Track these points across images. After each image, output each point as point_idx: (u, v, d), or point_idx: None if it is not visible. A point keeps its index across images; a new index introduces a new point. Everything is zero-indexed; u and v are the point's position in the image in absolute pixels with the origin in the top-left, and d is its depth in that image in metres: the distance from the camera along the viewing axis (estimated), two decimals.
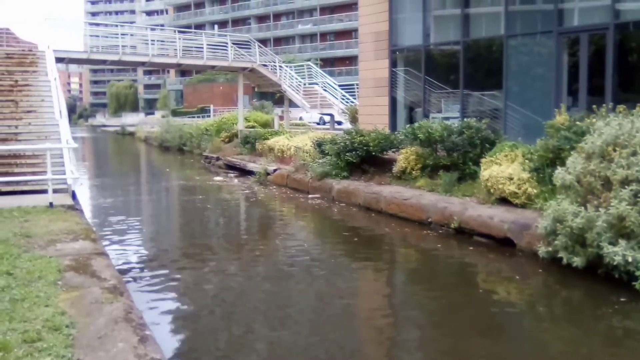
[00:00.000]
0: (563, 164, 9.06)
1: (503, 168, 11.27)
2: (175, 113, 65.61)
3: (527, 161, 11.13)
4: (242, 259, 10.40)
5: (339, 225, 13.31)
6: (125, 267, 9.54)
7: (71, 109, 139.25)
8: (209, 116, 49.93)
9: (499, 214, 10.45)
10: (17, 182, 12.49)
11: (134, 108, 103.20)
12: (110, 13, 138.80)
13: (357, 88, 20.99)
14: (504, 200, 11.01)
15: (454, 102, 16.02)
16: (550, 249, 8.47)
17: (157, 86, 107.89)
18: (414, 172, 13.96)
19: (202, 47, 26.93)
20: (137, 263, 9.95)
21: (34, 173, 12.55)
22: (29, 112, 16.24)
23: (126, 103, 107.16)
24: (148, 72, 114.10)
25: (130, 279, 8.82)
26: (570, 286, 8.21)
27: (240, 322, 7.24)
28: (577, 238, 7.95)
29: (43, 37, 22.10)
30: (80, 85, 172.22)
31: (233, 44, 28.09)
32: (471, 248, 10.27)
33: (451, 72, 15.96)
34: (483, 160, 12.10)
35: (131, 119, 78.26)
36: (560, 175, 8.62)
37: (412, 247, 11.21)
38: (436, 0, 16.71)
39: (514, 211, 10.48)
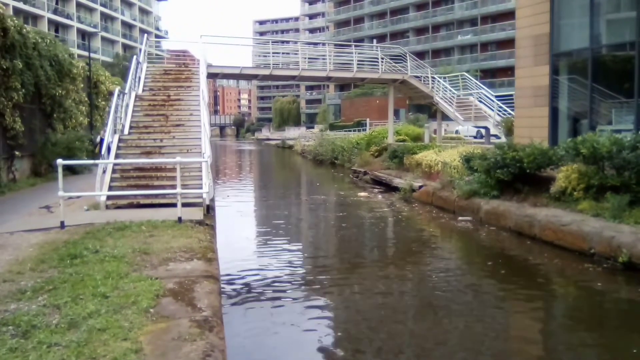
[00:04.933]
0: None
1: None
2: (332, 127, 66.34)
3: None
4: (369, 290, 9.39)
5: (484, 253, 11.80)
6: (235, 290, 8.94)
7: (240, 124, 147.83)
8: (365, 129, 49.59)
9: None
10: (156, 195, 12.58)
11: (296, 122, 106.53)
12: (276, 32, 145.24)
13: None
14: None
15: (627, 112, 13.87)
16: None
17: (318, 101, 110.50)
18: (575, 193, 12.07)
19: (353, 61, 26.46)
20: (254, 286, 9.28)
21: (172, 186, 12.52)
22: (177, 125, 16.57)
23: (289, 117, 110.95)
24: (310, 88, 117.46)
25: (239, 302, 8.20)
26: None
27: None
28: None
29: (199, 52, 22.67)
30: (249, 101, 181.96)
31: (385, 56, 27.31)
32: None
33: (624, 78, 13.84)
34: None
35: (292, 133, 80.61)
36: None
37: (569, 284, 9.52)
38: None
39: None
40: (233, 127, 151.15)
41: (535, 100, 16.15)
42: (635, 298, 8.31)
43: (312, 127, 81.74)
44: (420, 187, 18.28)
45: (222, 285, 8.84)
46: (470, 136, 35.66)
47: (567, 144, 12.43)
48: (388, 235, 14.57)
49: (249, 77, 30.42)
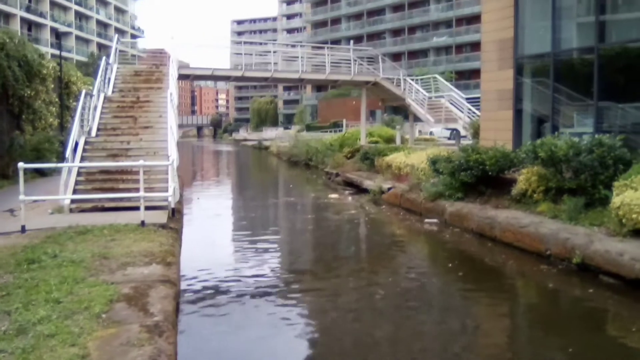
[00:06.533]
0: None
1: (639, 194, 9.49)
2: (309, 127, 66.50)
3: None
4: (333, 293, 9.50)
5: (446, 255, 11.97)
6: (196, 294, 8.99)
7: (217, 124, 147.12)
8: (341, 130, 49.76)
9: (631, 250, 8.73)
10: (121, 199, 12.55)
11: (274, 123, 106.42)
12: (254, 32, 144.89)
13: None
14: (638, 233, 9.23)
15: (588, 115, 14.16)
16: None
17: (296, 101, 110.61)
18: (535, 195, 12.33)
19: (332, 62, 26.65)
20: (216, 290, 9.33)
21: (138, 190, 12.51)
22: (146, 127, 16.52)
23: (267, 118, 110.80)
24: (287, 88, 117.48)
25: (198, 306, 8.26)
26: None
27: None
28: None
29: (173, 52, 22.60)
30: (227, 101, 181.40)
31: (359, 57, 27.49)
32: (591, 290, 8.64)
33: (584, 82, 14.12)
34: (616, 183, 10.35)
35: (269, 134, 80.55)
36: None
37: (524, 285, 9.76)
38: (568, 4, 14.95)
39: None
40: (210, 127, 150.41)
41: (500, 103, 16.41)
42: (585, 298, 8.52)
43: (290, 128, 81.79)
44: (389, 189, 18.45)
45: (184, 290, 8.91)
46: (444, 137, 36.02)
47: (526, 147, 12.68)
48: (353, 238, 14.72)
49: (221, 79, 30.45)
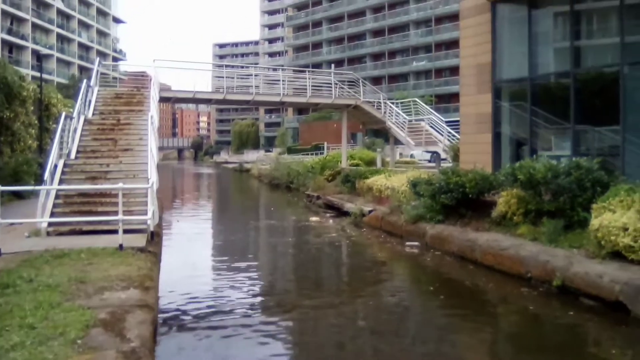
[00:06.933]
0: None
1: (617, 216, 9.57)
2: (290, 150, 66.53)
3: None
4: (313, 318, 9.43)
5: (427, 278, 11.98)
6: (174, 319, 8.86)
7: (198, 146, 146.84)
8: (322, 153, 49.87)
9: (610, 272, 8.80)
10: (99, 222, 12.39)
11: (255, 145, 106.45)
12: (236, 56, 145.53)
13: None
14: (617, 255, 9.30)
15: (565, 138, 14.34)
16: None
17: (277, 124, 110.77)
18: (515, 217, 12.41)
19: (313, 85, 26.82)
20: (195, 315, 9.20)
21: (117, 213, 12.36)
22: (126, 150, 16.41)
23: (248, 140, 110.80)
24: (269, 111, 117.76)
25: (176, 332, 8.14)
26: None
27: None
28: None
29: (154, 75, 22.58)
30: (208, 124, 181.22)
31: (340, 81, 27.68)
32: (571, 313, 8.67)
33: (561, 105, 14.31)
34: (594, 206, 10.44)
35: (251, 156, 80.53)
36: None
37: (505, 308, 9.75)
38: (544, 29, 15.22)
39: (629, 269, 8.78)
40: (191, 150, 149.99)
41: (479, 126, 16.57)
42: (566, 321, 8.54)
43: (271, 151, 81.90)
44: (370, 211, 18.47)
45: (162, 315, 8.78)
46: (424, 160, 36.23)
47: (505, 169, 12.79)
48: (334, 262, 14.66)
49: (203, 101, 30.45)
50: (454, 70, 67.07)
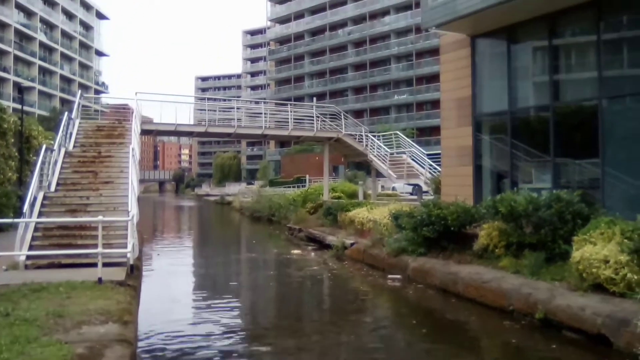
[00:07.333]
0: None
1: (598, 248, 9.65)
2: (272, 183, 66.43)
3: (625, 240, 9.45)
4: (292, 350, 9.30)
5: (409, 312, 11.91)
6: (153, 355, 8.70)
7: (180, 179, 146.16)
8: (304, 186, 49.88)
9: (592, 304, 8.83)
10: (78, 255, 12.23)
11: (237, 178, 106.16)
12: (218, 89, 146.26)
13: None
14: (599, 287, 9.35)
15: (546, 171, 14.50)
16: None
17: (259, 157, 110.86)
18: (497, 250, 12.46)
19: (295, 118, 26.99)
20: (174, 350, 9.04)
21: (96, 246, 12.21)
22: (106, 182, 16.31)
23: (230, 173, 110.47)
24: (251, 144, 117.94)
25: None
26: None
27: None
28: None
29: (136, 107, 22.56)
30: (190, 156, 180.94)
31: (322, 114, 27.88)
32: (554, 346, 8.64)
33: (541, 138, 14.52)
34: (575, 238, 10.52)
35: (232, 189, 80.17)
36: None
37: (488, 341, 9.71)
38: (523, 64, 15.50)
39: (611, 301, 8.82)
40: (173, 182, 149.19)
41: (460, 159, 16.72)
42: (549, 355, 8.51)
43: (253, 183, 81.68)
44: (352, 244, 18.43)
45: (141, 349, 8.63)
46: (406, 193, 36.35)
47: (487, 202, 12.88)
48: (316, 295, 14.54)
49: (185, 134, 30.45)
50: (435, 104, 67.90)
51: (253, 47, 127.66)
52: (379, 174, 29.38)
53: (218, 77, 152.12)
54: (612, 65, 13.19)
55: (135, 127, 20.29)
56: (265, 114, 26.96)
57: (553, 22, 14.18)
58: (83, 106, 23.33)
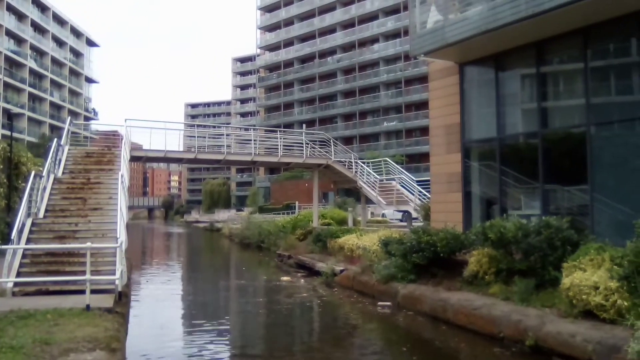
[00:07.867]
0: None
1: (587, 275, 9.69)
2: (262, 209, 66.27)
3: (615, 267, 9.49)
4: None
5: (399, 339, 11.85)
6: None
7: (169, 206, 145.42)
8: (294, 212, 49.77)
9: (583, 331, 8.84)
10: (66, 282, 12.14)
11: (227, 205, 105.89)
12: (208, 115, 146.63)
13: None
14: (589, 314, 9.37)
15: (535, 197, 14.59)
16: None
17: (249, 183, 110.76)
18: (486, 277, 12.45)
19: (285, 145, 27.11)
20: None
21: (85, 272, 12.12)
22: (95, 209, 16.24)
23: (219, 200, 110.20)
24: (240, 170, 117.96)
25: None
26: None
27: None
28: None
29: (126, 134, 22.61)
30: (179, 183, 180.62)
31: (311, 141, 27.99)
32: None
33: (530, 165, 14.62)
34: (565, 265, 10.56)
35: (222, 215, 79.91)
36: None
37: None
38: (511, 91, 15.69)
39: (601, 328, 8.83)
40: (162, 209, 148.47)
41: (450, 186, 16.79)
42: None
43: (243, 210, 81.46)
44: (342, 271, 18.38)
45: None
46: (396, 219, 36.33)
47: (476, 228, 12.91)
48: (306, 323, 14.48)
49: (174, 160, 30.47)
50: (424, 131, 68.35)
51: (243, 74, 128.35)
52: (369, 201, 29.41)
53: (208, 104, 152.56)
54: (600, 92, 13.38)
55: (125, 154, 20.32)
56: (254, 140, 27.07)
57: (541, 50, 14.38)
58: (72, 133, 23.33)
